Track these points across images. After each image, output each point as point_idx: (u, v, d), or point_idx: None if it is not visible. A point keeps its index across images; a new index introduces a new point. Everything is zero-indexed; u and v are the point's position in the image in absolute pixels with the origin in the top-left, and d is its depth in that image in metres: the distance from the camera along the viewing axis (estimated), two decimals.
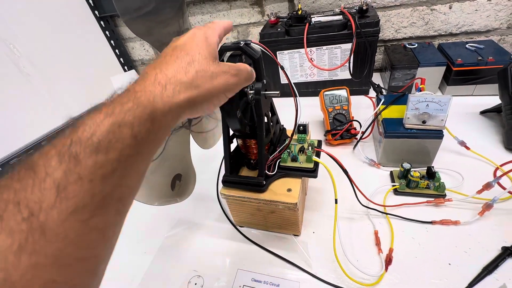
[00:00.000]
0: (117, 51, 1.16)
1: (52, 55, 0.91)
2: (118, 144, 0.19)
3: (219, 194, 0.46)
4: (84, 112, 0.20)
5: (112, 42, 1.14)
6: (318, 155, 0.46)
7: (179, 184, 0.45)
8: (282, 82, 0.89)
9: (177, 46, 0.26)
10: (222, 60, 0.40)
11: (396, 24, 0.88)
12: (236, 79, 0.28)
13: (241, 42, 0.36)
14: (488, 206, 0.45)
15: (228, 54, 0.39)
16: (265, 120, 0.45)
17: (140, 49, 1.22)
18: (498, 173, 0.53)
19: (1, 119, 0.74)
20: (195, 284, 0.47)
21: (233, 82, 0.28)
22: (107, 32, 1.11)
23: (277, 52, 0.83)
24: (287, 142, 0.46)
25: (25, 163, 0.17)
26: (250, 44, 0.37)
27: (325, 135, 0.69)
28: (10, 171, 0.17)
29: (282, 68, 0.39)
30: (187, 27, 0.48)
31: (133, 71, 1.11)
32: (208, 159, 0.65)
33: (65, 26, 0.95)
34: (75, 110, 0.71)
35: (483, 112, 0.69)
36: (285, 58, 0.84)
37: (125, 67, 1.21)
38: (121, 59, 1.19)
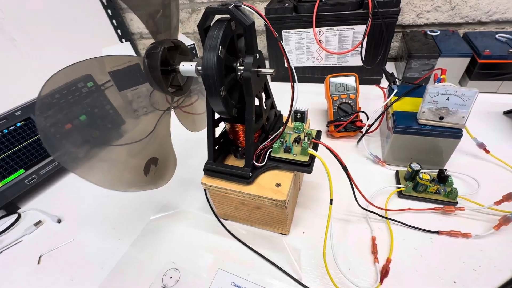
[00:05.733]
0: (114, 21, 1.09)
1: (41, 20, 0.84)
2: None
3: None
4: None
5: (109, 11, 1.06)
6: (315, 147, 0.40)
7: (154, 169, 0.40)
8: (286, 65, 0.82)
9: None
10: (208, 27, 0.34)
11: (418, 8, 0.79)
12: None
13: (231, 4, 0.30)
14: (506, 220, 0.39)
15: (215, 18, 0.33)
16: (257, 102, 0.39)
17: (138, 21, 1.14)
18: None
19: None
20: (171, 277, 0.43)
21: None
22: (104, 0, 1.03)
23: (283, 31, 0.76)
24: (280, 130, 0.40)
25: None
26: (241, 7, 0.30)
27: (327, 126, 0.63)
28: None
29: (279, 40, 0.33)
30: None
31: (127, 43, 1.04)
32: (198, 141, 0.60)
33: None
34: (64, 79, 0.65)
35: (507, 113, 0.61)
36: (291, 38, 0.76)
37: (122, 40, 1.14)
38: (118, 31, 1.12)
